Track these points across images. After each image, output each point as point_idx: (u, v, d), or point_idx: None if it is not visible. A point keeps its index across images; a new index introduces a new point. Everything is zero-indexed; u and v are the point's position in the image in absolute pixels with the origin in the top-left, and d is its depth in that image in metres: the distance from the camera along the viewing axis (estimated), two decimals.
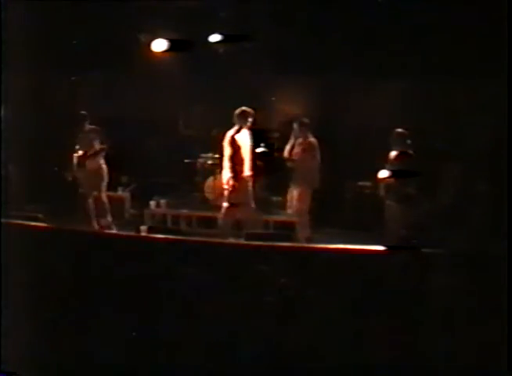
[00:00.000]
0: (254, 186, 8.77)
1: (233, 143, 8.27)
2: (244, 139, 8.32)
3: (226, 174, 8.32)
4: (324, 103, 9.93)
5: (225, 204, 8.34)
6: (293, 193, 8.58)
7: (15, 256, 5.68)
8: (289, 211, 8.76)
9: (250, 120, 8.35)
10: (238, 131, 8.31)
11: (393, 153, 7.99)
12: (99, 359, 5.57)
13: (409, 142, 7.93)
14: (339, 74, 9.13)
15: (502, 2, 5.64)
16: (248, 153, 8.36)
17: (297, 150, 8.56)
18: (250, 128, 8.67)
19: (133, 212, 10.08)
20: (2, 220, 5.97)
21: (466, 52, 7.89)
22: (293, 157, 8.57)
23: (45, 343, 5.59)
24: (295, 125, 8.62)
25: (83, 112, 9.13)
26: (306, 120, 8.64)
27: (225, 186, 8.32)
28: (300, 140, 8.56)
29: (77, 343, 5.64)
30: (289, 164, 8.62)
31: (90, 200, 8.97)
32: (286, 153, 8.67)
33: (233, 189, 8.24)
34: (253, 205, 8.41)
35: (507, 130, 5.46)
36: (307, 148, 8.50)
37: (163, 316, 5.62)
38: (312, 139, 8.54)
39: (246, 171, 8.31)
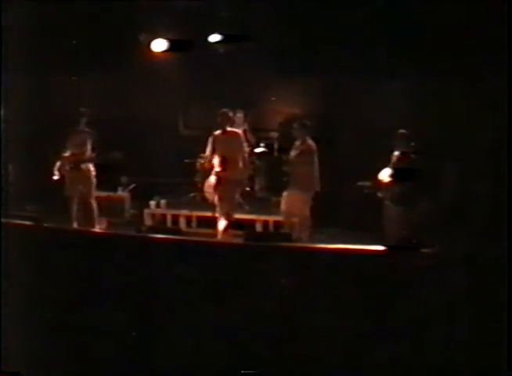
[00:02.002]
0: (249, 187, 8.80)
1: (215, 145, 8.26)
2: (230, 140, 8.27)
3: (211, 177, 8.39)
4: (324, 103, 9.94)
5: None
6: (291, 196, 8.41)
7: (15, 256, 5.68)
8: (286, 214, 8.61)
9: (230, 122, 8.31)
10: (221, 133, 8.28)
11: (395, 154, 7.97)
12: (98, 359, 5.57)
13: (412, 144, 7.88)
14: (339, 75, 9.14)
15: (502, 2, 5.65)
16: (239, 155, 8.31)
17: (294, 152, 8.37)
18: (244, 130, 8.69)
19: (133, 212, 10.09)
20: (2, 220, 5.97)
21: (466, 52, 7.89)
22: (292, 160, 8.38)
23: (45, 343, 5.59)
24: (295, 127, 8.43)
25: (79, 112, 9.07)
26: (307, 122, 8.43)
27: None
28: (298, 143, 8.38)
29: (76, 343, 5.64)
30: (287, 167, 8.40)
31: (75, 203, 8.87)
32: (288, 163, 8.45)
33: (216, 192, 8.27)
34: (233, 210, 8.38)
35: (507, 130, 5.46)
36: (305, 151, 8.30)
37: (163, 315, 5.62)
38: (311, 142, 8.33)
39: (234, 176, 8.25)
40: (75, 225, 8.65)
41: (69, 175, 8.79)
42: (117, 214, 9.88)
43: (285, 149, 8.61)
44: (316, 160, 8.31)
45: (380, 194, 8.05)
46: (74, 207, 8.83)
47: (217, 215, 8.43)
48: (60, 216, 8.38)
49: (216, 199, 8.37)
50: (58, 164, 8.79)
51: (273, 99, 10.17)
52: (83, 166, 8.81)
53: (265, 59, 9.20)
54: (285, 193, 8.47)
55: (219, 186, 8.27)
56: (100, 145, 8.85)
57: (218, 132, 8.27)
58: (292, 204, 8.37)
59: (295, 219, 8.42)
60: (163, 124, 10.40)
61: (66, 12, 8.41)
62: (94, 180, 8.94)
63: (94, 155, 8.84)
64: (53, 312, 5.70)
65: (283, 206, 8.55)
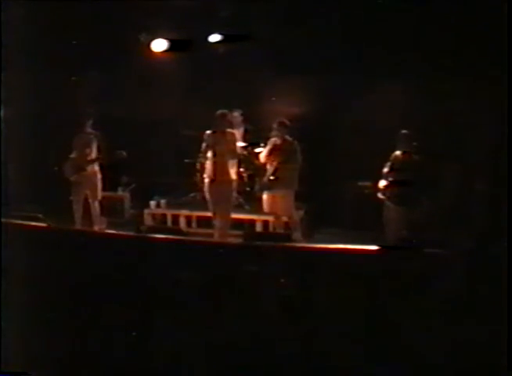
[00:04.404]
0: (238, 190, 8.82)
1: (209, 144, 8.27)
2: (224, 143, 8.26)
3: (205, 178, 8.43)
4: (324, 102, 9.93)
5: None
6: (273, 197, 8.40)
7: (15, 256, 5.68)
8: (272, 215, 8.58)
9: (228, 123, 8.33)
10: (217, 132, 8.27)
11: (397, 153, 7.97)
12: (98, 359, 5.57)
13: (414, 143, 7.88)
14: (339, 74, 9.13)
15: (502, 2, 5.64)
16: (230, 160, 8.33)
17: (274, 151, 8.36)
18: (242, 131, 8.67)
19: (133, 212, 10.08)
20: (2, 220, 5.96)
21: (466, 52, 7.89)
22: (272, 160, 8.36)
23: (45, 343, 5.59)
24: (274, 126, 8.40)
25: (85, 114, 9.07)
26: (286, 121, 8.41)
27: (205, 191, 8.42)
28: (278, 141, 8.37)
29: (76, 343, 5.64)
30: (269, 167, 8.39)
31: (80, 205, 8.87)
32: (263, 158, 8.49)
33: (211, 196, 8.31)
34: (230, 211, 8.40)
35: (507, 130, 5.46)
36: (286, 148, 8.31)
37: (162, 315, 5.61)
38: (292, 140, 8.33)
39: (227, 177, 8.28)
40: (78, 226, 8.65)
41: (75, 177, 8.79)
42: (117, 214, 9.89)
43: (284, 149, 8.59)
44: (300, 157, 8.30)
45: (380, 194, 8.06)
46: (80, 210, 8.82)
47: (212, 215, 8.47)
48: (60, 216, 8.37)
49: (210, 201, 8.40)
50: (67, 166, 8.79)
51: (273, 99, 10.16)
52: (89, 168, 8.81)
53: (265, 59, 9.20)
54: (267, 194, 8.45)
55: (212, 189, 8.29)
56: (105, 146, 8.86)
57: (213, 131, 8.28)
58: (274, 204, 8.37)
59: (285, 219, 8.44)
60: (163, 124, 10.39)
61: (66, 12, 8.40)
62: (100, 182, 8.95)
63: (100, 157, 8.84)
64: (53, 312, 5.70)
65: (265, 207, 8.55)
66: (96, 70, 9.97)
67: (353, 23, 8.43)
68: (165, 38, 9.29)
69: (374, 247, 5.66)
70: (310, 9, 8.52)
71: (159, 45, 9.33)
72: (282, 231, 8.30)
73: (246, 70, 9.47)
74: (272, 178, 8.32)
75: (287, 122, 8.40)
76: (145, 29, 9.31)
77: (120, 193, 10.26)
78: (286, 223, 8.50)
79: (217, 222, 8.44)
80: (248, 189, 9.64)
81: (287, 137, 8.33)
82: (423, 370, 5.22)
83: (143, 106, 10.20)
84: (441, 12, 7.80)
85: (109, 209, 9.52)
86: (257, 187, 9.54)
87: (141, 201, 9.98)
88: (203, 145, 8.35)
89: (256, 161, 9.71)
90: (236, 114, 9.76)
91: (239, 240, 7.43)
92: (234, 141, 8.37)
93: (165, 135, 10.35)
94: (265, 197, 8.50)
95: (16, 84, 7.24)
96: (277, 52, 9.11)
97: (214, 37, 9.22)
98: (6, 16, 6.32)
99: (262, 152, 8.63)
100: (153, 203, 9.87)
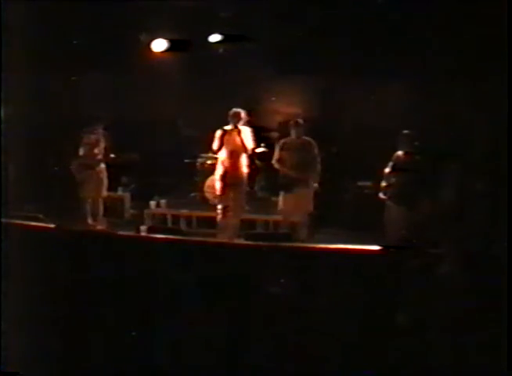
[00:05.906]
0: (250, 186, 8.82)
1: (222, 144, 8.28)
2: (237, 139, 8.29)
3: (217, 174, 8.45)
4: (324, 102, 9.94)
5: (219, 207, 8.46)
6: (297, 196, 8.39)
7: (15, 256, 5.68)
8: (287, 214, 8.58)
9: (241, 121, 8.33)
10: (227, 131, 8.28)
11: (398, 153, 7.97)
12: (98, 360, 5.57)
13: (416, 143, 7.87)
14: (339, 75, 9.14)
15: (502, 2, 5.64)
16: (243, 154, 8.36)
17: (291, 151, 8.37)
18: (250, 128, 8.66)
19: (133, 212, 10.08)
20: (2, 220, 5.96)
21: (466, 52, 7.89)
22: (291, 160, 8.37)
23: (45, 343, 5.59)
24: (291, 126, 8.42)
25: (95, 115, 9.10)
26: (300, 120, 8.43)
27: (217, 188, 8.43)
28: (295, 141, 8.39)
29: (76, 343, 5.64)
30: (282, 168, 8.39)
31: (87, 203, 8.90)
32: (276, 159, 8.45)
33: (223, 192, 8.32)
34: (244, 207, 8.44)
35: (507, 130, 5.46)
36: (303, 148, 8.33)
37: (162, 316, 5.61)
38: (308, 139, 8.35)
39: (240, 171, 8.33)
40: (88, 225, 8.70)
41: (83, 176, 8.81)
42: (117, 214, 9.89)
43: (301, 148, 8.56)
44: (317, 154, 8.30)
45: (380, 194, 8.07)
46: (88, 209, 8.86)
47: (219, 213, 8.46)
48: (60, 216, 8.38)
49: (220, 198, 8.40)
50: (75, 164, 8.81)
51: (273, 99, 10.17)
52: (97, 167, 8.83)
53: (265, 59, 9.21)
54: (287, 193, 8.44)
55: (227, 185, 8.31)
56: (114, 146, 8.88)
57: (224, 130, 8.29)
58: (297, 203, 8.36)
59: (294, 219, 8.43)
60: (163, 124, 10.40)
61: (66, 12, 8.41)
62: (106, 181, 8.98)
63: (107, 156, 8.85)
64: (53, 313, 5.70)
65: (285, 206, 8.53)
66: (96, 70, 9.98)
67: (353, 23, 8.43)
68: (165, 38, 9.30)
69: (375, 247, 5.65)
70: (310, 8, 8.52)
71: (159, 45, 9.34)
72: (286, 231, 8.30)
73: (246, 70, 9.47)
74: (295, 176, 8.28)
75: (301, 121, 8.40)
76: (145, 29, 9.32)
77: (120, 193, 10.27)
78: (293, 223, 8.49)
79: (225, 222, 8.43)
80: (248, 189, 9.65)
81: (303, 136, 8.34)
82: (423, 371, 5.22)
83: (143, 106, 10.21)
84: (442, 12, 7.81)
85: (110, 209, 9.53)
86: (257, 187, 9.56)
87: (141, 201, 9.98)
88: (215, 144, 8.33)
89: (257, 161, 9.73)
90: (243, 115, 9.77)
91: (239, 241, 7.43)
92: (246, 137, 8.37)
93: (165, 135, 10.36)
94: (283, 197, 8.48)
95: (16, 84, 7.24)
96: (277, 52, 9.12)
97: (214, 37, 9.23)
98: (6, 16, 6.31)
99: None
100: (153, 203, 9.88)
